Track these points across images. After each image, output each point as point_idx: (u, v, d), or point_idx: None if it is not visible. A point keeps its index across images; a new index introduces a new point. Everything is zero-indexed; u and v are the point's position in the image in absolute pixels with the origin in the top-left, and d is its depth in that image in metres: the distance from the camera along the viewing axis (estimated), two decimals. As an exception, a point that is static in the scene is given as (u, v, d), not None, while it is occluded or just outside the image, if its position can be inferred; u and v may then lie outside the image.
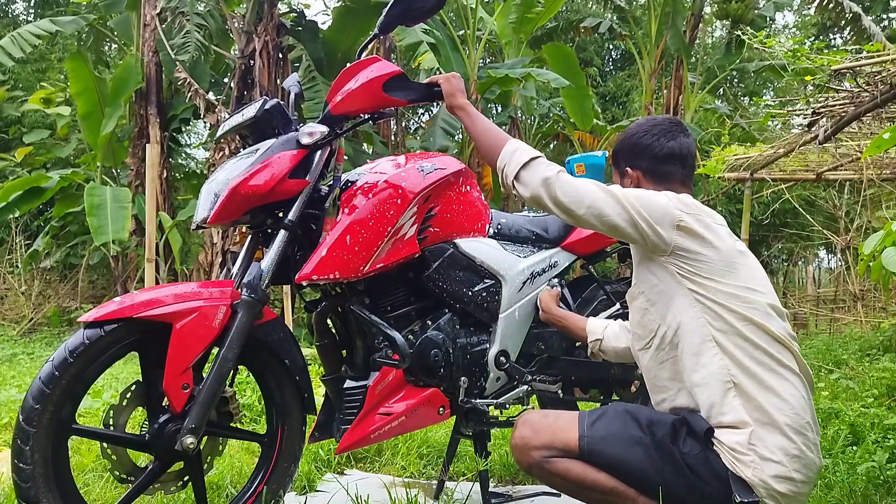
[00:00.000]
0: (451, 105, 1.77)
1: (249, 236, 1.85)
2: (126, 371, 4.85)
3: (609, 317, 2.27)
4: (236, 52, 8.48)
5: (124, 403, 1.61)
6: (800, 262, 14.70)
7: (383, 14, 1.77)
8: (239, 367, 1.81)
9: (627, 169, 1.66)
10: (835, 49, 3.64)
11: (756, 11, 10.38)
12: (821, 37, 14.52)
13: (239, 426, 1.81)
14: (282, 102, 1.84)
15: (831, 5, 8.18)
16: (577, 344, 2.23)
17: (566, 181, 1.51)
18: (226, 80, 9.71)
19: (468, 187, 1.99)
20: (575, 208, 1.48)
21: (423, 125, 14.11)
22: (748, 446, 1.36)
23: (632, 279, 1.64)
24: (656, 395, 1.58)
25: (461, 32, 9.65)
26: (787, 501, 1.36)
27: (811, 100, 4.03)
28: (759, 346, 1.40)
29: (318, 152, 1.78)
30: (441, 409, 1.89)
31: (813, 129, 4.21)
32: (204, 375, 1.59)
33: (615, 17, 11.90)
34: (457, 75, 1.82)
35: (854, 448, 2.53)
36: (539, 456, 1.47)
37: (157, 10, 8.53)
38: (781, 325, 1.46)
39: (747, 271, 1.47)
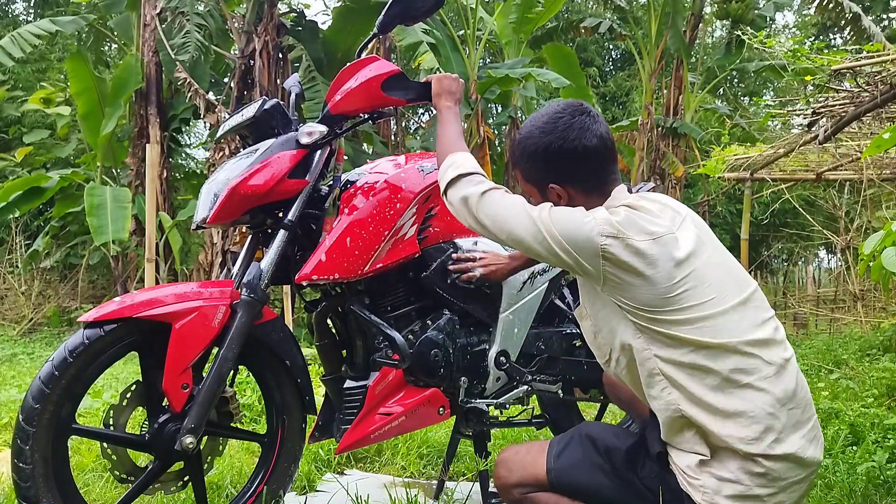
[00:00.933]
0: (433, 104, 1.75)
1: (249, 236, 1.85)
2: (126, 371, 4.85)
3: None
4: (236, 52, 8.48)
5: (124, 403, 1.61)
6: (800, 262, 14.71)
7: (382, 13, 1.77)
8: (239, 367, 1.81)
9: (554, 186, 1.44)
10: (835, 49, 3.65)
11: (756, 11, 10.39)
12: (821, 37, 14.53)
13: (239, 426, 1.81)
14: (281, 102, 1.84)
15: (831, 5, 8.18)
16: (577, 344, 2.23)
17: (491, 202, 1.39)
18: (226, 80, 9.70)
19: (468, 187, 1.99)
20: (497, 232, 1.40)
21: (423, 125, 14.11)
22: (699, 470, 1.31)
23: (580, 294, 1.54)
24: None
25: (461, 32, 9.65)
26: None
27: (811, 100, 4.03)
28: (712, 371, 1.28)
29: (318, 152, 1.77)
30: (441, 409, 1.89)
31: (813, 129, 4.21)
32: (204, 375, 1.59)
33: (615, 18, 11.90)
34: (453, 77, 1.78)
35: (854, 448, 2.54)
36: (518, 493, 1.50)
37: (157, 10, 8.53)
38: (747, 323, 1.32)
39: (693, 282, 1.31)
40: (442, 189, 1.51)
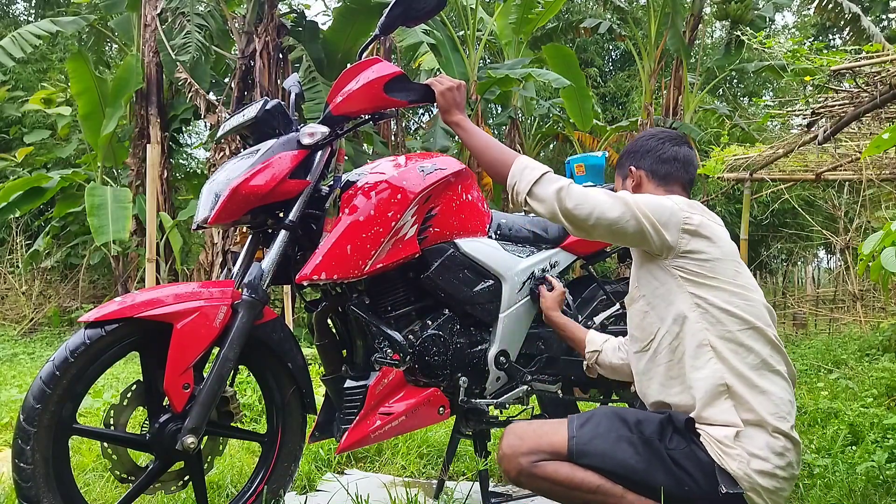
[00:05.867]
0: (446, 121, 1.78)
1: (250, 236, 1.85)
2: (127, 371, 4.85)
3: (609, 316, 2.28)
4: (237, 53, 8.48)
5: (125, 403, 1.61)
6: (799, 262, 14.71)
7: (384, 15, 1.78)
8: (239, 366, 1.81)
9: (631, 168, 1.71)
10: (834, 49, 3.65)
11: (755, 12, 10.38)
12: (820, 37, 14.54)
13: (239, 426, 1.81)
14: (282, 103, 1.84)
15: (830, 6, 8.19)
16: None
17: (576, 191, 1.52)
18: (226, 80, 9.71)
19: (468, 188, 1.99)
20: (585, 218, 1.50)
21: (424, 125, 14.12)
22: (735, 441, 1.40)
23: (630, 282, 1.67)
24: (646, 399, 1.61)
25: (461, 33, 9.65)
26: (770, 496, 1.41)
27: (811, 100, 4.03)
28: (753, 351, 1.45)
29: (319, 153, 1.78)
30: (441, 408, 1.90)
31: (812, 129, 4.22)
32: (204, 375, 1.59)
33: (615, 18, 11.90)
34: (455, 87, 1.76)
35: (853, 448, 2.54)
36: (527, 461, 1.48)
37: (158, 11, 8.54)
38: (771, 321, 1.51)
39: (742, 269, 1.52)
40: (525, 190, 1.58)
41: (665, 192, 1.64)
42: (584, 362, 1.94)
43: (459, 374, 1.91)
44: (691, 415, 1.47)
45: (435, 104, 1.79)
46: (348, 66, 1.83)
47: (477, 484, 2.04)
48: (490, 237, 2.04)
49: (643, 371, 1.59)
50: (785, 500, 1.45)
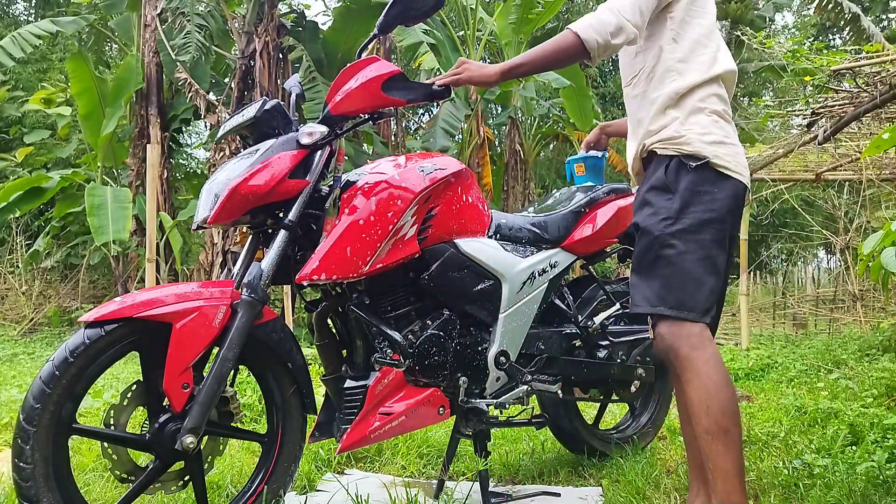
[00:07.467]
0: (495, 83, 1.80)
1: (250, 236, 1.85)
2: (126, 371, 4.85)
3: (609, 316, 2.28)
4: (237, 53, 8.49)
5: (125, 403, 1.61)
6: (799, 262, 14.71)
7: (383, 14, 1.78)
8: (239, 366, 1.81)
9: None
10: (834, 49, 3.65)
11: (755, 12, 10.40)
12: (820, 37, 14.54)
13: (239, 426, 1.81)
14: (282, 103, 1.84)
15: (830, 6, 8.19)
16: (577, 344, 2.23)
17: (618, 7, 1.64)
18: (226, 80, 9.72)
19: (468, 188, 1.99)
20: (642, 13, 1.65)
21: (424, 125, 14.11)
22: (682, 128, 1.63)
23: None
24: (640, 128, 1.76)
25: (461, 33, 9.65)
26: (730, 158, 1.64)
27: (810, 100, 4.04)
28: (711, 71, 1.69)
29: (319, 152, 1.78)
30: (441, 408, 1.90)
31: (812, 129, 4.22)
32: (204, 375, 1.59)
33: (615, 18, 11.86)
34: (459, 70, 1.78)
35: (853, 448, 2.54)
36: None
37: (158, 11, 8.55)
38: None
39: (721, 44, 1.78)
40: (605, 45, 1.65)
41: None
42: None
43: (459, 375, 1.91)
44: (647, 134, 1.70)
45: (434, 103, 1.79)
46: (347, 65, 1.83)
47: (477, 484, 2.04)
48: (490, 237, 2.04)
49: (635, 110, 1.77)
50: (743, 160, 1.69)
